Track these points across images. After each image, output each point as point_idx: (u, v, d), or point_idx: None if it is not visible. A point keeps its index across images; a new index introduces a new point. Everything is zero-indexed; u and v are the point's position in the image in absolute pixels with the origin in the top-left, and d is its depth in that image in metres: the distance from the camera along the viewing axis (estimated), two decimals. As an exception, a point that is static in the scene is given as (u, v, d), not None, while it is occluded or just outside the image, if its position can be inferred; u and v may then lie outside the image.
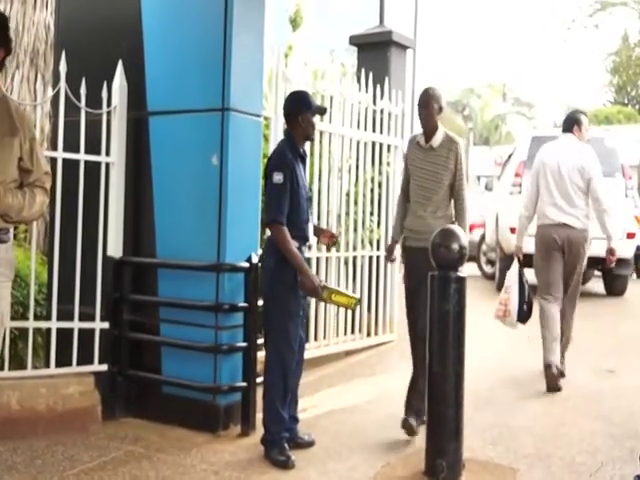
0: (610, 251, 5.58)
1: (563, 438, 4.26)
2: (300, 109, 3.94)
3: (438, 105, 4.38)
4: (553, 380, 5.19)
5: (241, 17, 4.28)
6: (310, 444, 4.00)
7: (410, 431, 4.09)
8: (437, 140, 4.38)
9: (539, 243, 5.59)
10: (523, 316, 5.39)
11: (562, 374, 5.35)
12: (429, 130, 4.40)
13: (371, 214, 6.44)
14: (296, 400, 4.05)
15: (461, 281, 3.57)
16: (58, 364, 4.29)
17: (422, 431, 3.63)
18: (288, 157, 3.84)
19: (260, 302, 4.11)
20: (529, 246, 9.73)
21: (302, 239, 3.91)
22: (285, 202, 3.76)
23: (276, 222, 3.75)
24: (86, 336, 4.36)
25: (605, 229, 5.51)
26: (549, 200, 5.46)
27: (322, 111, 4.24)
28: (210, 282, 4.22)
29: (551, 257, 5.48)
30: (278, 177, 3.74)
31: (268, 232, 3.93)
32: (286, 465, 3.71)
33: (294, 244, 3.77)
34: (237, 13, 4.24)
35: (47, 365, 4.37)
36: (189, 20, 4.42)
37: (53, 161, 4.36)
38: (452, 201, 4.39)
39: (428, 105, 4.37)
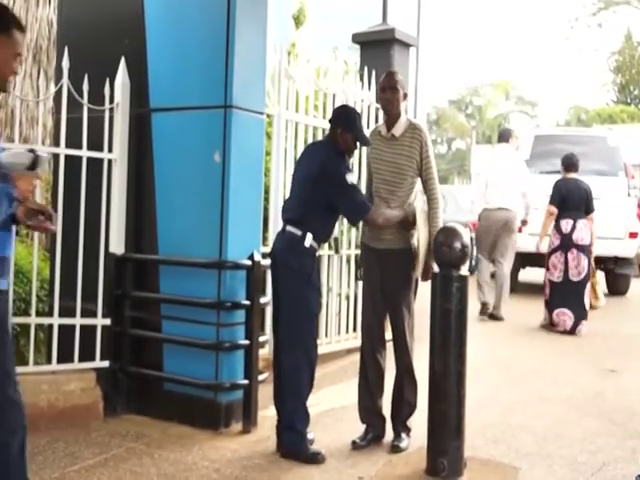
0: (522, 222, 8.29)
1: (565, 437, 4.25)
2: (342, 125, 3.90)
3: (403, 91, 4.07)
4: (484, 312, 7.93)
5: (244, 14, 4.27)
6: (310, 441, 3.96)
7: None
8: (399, 129, 4.01)
9: (483, 221, 8.11)
10: None
11: (495, 317, 7.89)
12: (393, 117, 4.04)
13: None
14: None
15: (463, 280, 3.56)
16: (60, 360, 4.29)
17: (424, 429, 3.62)
18: (345, 161, 3.92)
19: (263, 299, 4.11)
20: (529, 246, 9.81)
21: (325, 240, 4.05)
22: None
23: (368, 211, 3.84)
24: (88, 332, 4.36)
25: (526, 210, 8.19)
26: (492, 192, 7.97)
27: (364, 143, 3.98)
28: (212, 279, 4.22)
29: (489, 231, 8.00)
30: (351, 177, 3.81)
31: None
32: (323, 458, 3.76)
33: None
34: (240, 10, 4.24)
35: (49, 361, 4.37)
36: (192, 17, 4.41)
37: (55, 157, 4.36)
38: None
39: (395, 88, 4.02)
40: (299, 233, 3.79)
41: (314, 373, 3.89)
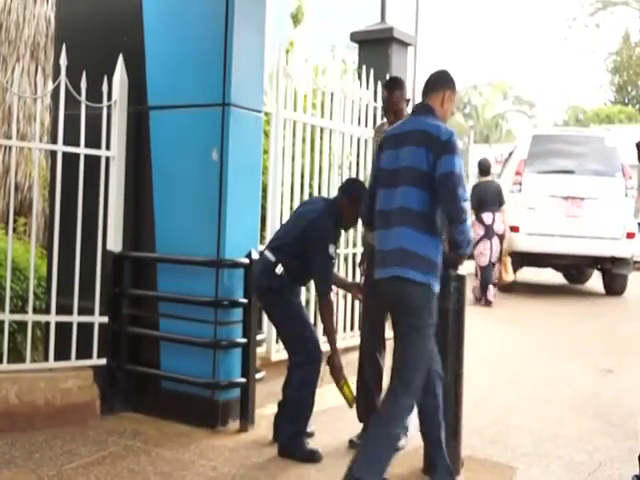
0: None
1: (562, 437, 4.26)
2: (351, 197, 3.92)
3: (406, 98, 4.09)
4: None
5: (242, 12, 4.26)
6: (310, 435, 4.00)
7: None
8: None
9: None
10: None
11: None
12: (400, 115, 3.98)
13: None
14: None
15: (461, 279, 3.56)
16: (57, 358, 4.28)
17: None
18: (336, 230, 3.95)
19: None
20: (527, 246, 9.85)
21: (295, 280, 4.02)
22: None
23: (330, 292, 3.94)
24: (85, 330, 4.35)
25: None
26: None
27: (364, 219, 3.78)
28: (210, 277, 4.21)
29: None
30: (332, 250, 3.84)
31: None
32: (320, 457, 3.77)
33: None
34: (238, 8, 4.23)
35: (46, 359, 4.37)
36: (190, 14, 4.40)
37: (53, 154, 4.35)
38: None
39: (403, 91, 4.06)
40: (273, 259, 3.90)
41: (317, 370, 3.90)
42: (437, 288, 3.23)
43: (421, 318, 3.18)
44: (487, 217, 9.10)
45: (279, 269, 3.86)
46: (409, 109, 4.03)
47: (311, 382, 3.89)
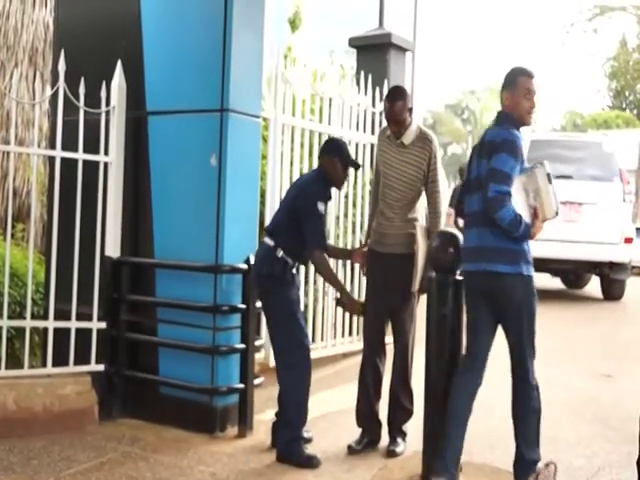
0: None
1: (560, 442, 4.25)
2: (329, 152, 3.98)
3: (409, 107, 3.99)
4: None
5: (241, 17, 4.28)
6: (308, 440, 3.98)
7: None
8: (409, 137, 3.98)
9: None
10: None
11: None
12: (402, 127, 3.96)
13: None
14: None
15: (458, 284, 3.57)
16: (55, 364, 4.28)
17: (420, 433, 3.63)
18: (322, 190, 3.93)
19: (259, 304, 4.11)
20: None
21: (298, 259, 3.97)
22: (325, 230, 4.00)
23: (322, 249, 3.88)
24: (83, 336, 4.35)
25: None
26: None
27: (354, 165, 4.06)
28: (208, 283, 4.21)
29: None
30: (321, 207, 3.84)
31: (269, 242, 3.91)
32: (318, 462, 3.76)
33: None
34: (237, 13, 4.24)
35: (44, 364, 4.36)
36: (189, 20, 4.41)
37: (51, 160, 4.34)
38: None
39: (403, 99, 3.95)
40: (272, 244, 3.88)
41: (306, 372, 3.87)
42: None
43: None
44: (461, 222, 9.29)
45: (279, 252, 3.84)
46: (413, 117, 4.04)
47: (302, 386, 3.86)
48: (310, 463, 3.75)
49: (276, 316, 3.93)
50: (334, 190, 4.01)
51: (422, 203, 4.10)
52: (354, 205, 6.24)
